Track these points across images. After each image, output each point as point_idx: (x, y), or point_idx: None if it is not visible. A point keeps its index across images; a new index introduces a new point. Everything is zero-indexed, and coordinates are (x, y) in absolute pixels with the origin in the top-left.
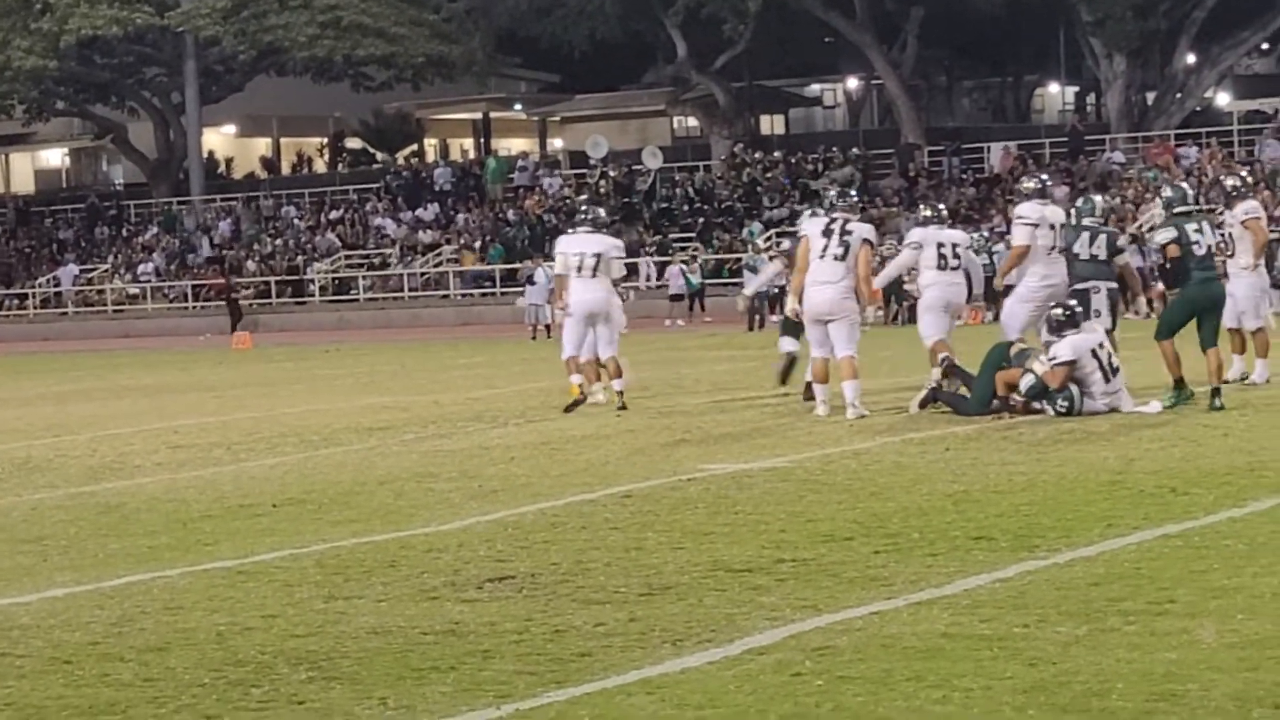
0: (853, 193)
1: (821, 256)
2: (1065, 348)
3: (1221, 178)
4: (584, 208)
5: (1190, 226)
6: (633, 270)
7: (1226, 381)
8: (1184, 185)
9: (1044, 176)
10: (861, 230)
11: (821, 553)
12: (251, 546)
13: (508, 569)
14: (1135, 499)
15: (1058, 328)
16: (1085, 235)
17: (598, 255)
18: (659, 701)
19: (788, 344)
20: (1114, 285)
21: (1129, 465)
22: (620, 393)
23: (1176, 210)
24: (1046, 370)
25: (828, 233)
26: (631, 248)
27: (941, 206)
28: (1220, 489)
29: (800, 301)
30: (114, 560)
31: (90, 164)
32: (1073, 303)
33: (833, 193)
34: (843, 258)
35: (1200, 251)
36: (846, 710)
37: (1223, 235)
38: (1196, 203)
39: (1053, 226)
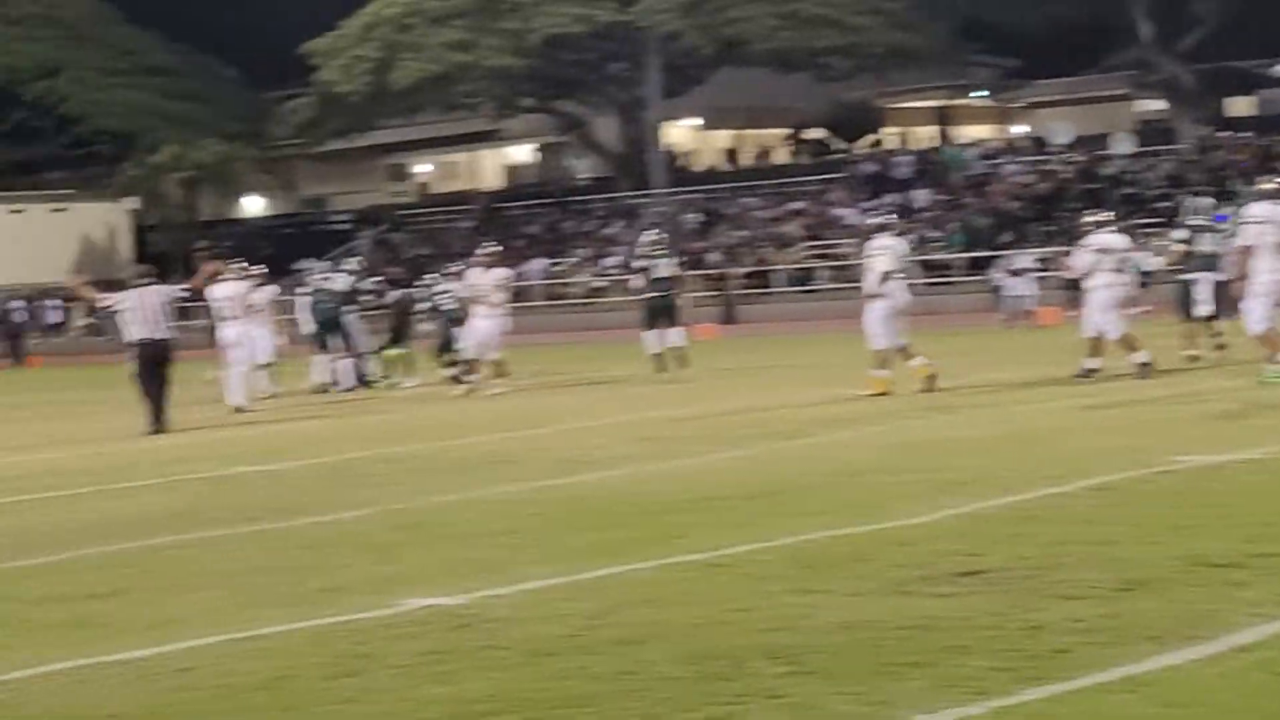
0: None
1: None
2: None
3: None
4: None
5: None
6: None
7: None
8: None
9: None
10: None
11: None
12: (722, 539)
13: (979, 563)
14: None
15: None
16: None
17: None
18: (1143, 700)
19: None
20: None
21: None
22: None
23: None
24: None
25: None
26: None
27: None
28: None
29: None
30: (587, 552)
31: (555, 159)
32: None
33: None
34: None
35: None
36: None
37: None
38: None
39: None
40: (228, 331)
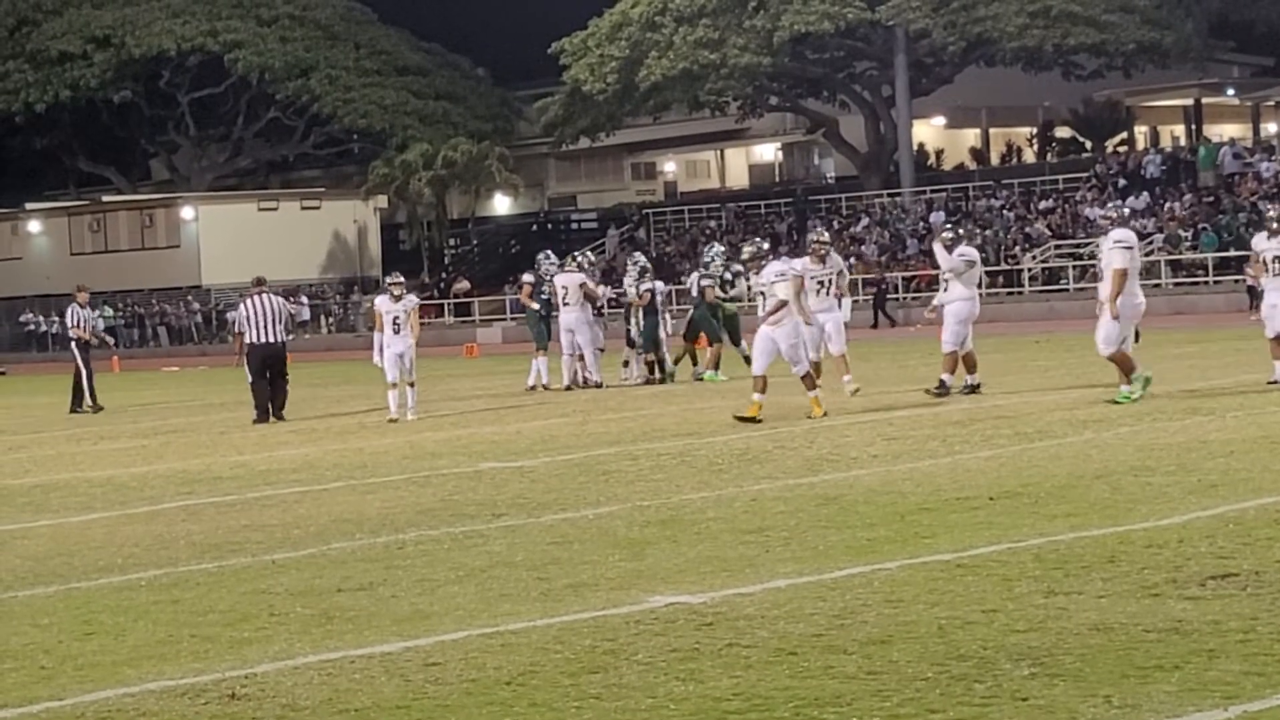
0: None
1: None
2: None
3: None
4: None
5: None
6: None
7: None
8: None
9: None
10: None
11: None
12: (969, 539)
13: (1230, 566)
14: None
15: None
16: None
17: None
18: None
19: None
20: None
21: None
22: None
23: None
24: None
25: None
26: None
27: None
28: None
29: None
30: (834, 552)
31: (802, 158)
32: None
33: None
34: None
35: None
36: None
37: None
38: None
39: None
40: (567, 317)
